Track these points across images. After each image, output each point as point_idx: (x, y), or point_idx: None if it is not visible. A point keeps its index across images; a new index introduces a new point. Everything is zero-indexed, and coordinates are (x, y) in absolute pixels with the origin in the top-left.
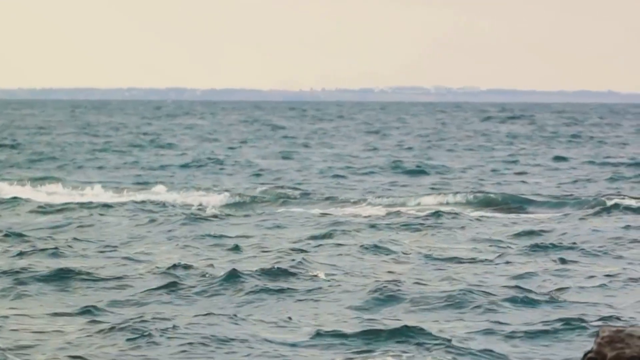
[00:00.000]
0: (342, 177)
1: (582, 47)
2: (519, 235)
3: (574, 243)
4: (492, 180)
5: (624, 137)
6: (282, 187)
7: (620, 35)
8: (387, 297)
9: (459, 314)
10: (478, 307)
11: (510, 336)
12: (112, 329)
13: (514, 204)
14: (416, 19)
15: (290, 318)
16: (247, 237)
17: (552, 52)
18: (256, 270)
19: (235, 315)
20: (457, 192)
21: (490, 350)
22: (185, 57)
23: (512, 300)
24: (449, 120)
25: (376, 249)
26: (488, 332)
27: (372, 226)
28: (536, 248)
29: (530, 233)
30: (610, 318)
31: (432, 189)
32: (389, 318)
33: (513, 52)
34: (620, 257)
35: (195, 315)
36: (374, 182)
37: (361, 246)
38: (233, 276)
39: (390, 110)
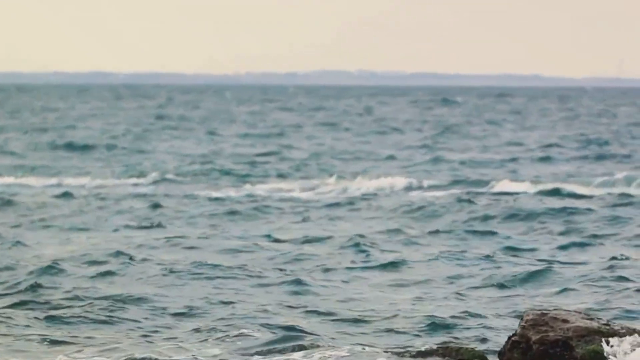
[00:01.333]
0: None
1: (506, 30)
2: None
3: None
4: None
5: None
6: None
7: (547, 19)
8: None
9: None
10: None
11: (442, 320)
12: None
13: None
14: (339, 0)
15: None
16: None
17: (476, 36)
18: None
19: None
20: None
21: (417, 336)
22: (108, 40)
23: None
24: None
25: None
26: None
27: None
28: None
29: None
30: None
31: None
32: None
33: (438, 35)
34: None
35: None
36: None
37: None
38: None
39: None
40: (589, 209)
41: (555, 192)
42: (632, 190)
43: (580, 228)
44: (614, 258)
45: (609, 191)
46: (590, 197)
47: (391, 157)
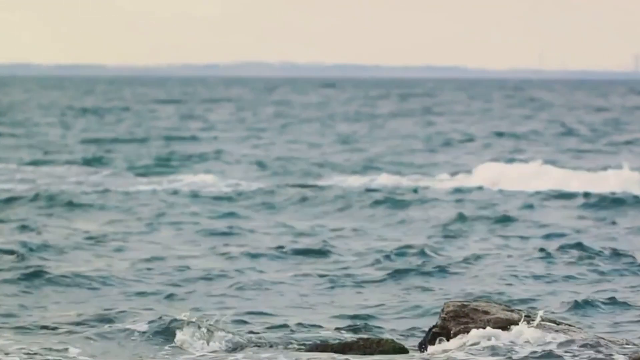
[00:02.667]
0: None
1: (431, 22)
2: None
3: None
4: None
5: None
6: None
7: (468, 11)
8: None
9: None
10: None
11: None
12: None
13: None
14: None
15: None
16: None
17: (399, 27)
18: None
19: None
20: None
21: (339, 328)
22: (30, 29)
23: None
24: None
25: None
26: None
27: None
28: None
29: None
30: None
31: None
32: None
33: (360, 26)
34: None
35: None
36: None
37: None
38: None
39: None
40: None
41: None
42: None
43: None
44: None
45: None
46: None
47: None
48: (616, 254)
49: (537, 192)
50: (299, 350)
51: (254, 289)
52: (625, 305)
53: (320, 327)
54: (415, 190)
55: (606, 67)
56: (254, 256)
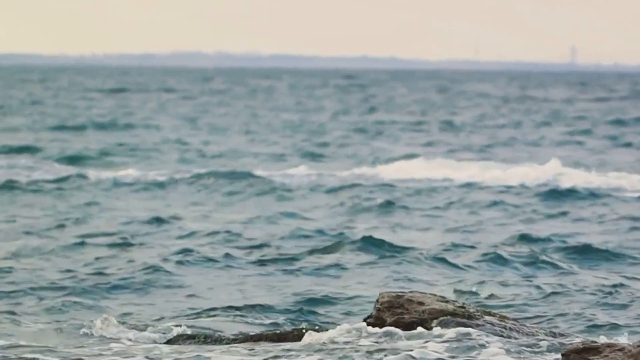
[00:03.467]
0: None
1: (363, 12)
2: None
3: None
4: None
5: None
6: None
7: (402, 2)
8: None
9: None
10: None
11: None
12: None
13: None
14: None
15: None
16: None
17: (322, 17)
18: None
19: None
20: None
21: (267, 316)
22: None
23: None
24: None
25: None
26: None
27: None
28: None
29: None
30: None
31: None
32: None
33: (293, 16)
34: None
35: None
36: None
37: None
38: None
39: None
40: None
41: None
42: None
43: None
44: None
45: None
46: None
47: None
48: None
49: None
50: (233, 341)
51: (182, 279)
52: (562, 296)
53: (254, 317)
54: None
55: (543, 58)
56: (183, 246)
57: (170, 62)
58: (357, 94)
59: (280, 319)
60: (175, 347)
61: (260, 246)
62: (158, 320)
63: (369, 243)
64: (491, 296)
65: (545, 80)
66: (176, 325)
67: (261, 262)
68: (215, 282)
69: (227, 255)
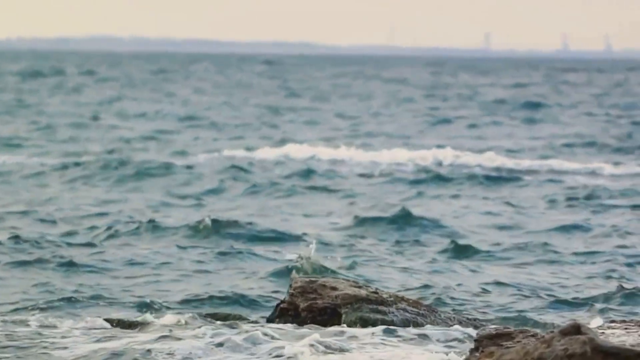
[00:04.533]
0: None
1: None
2: None
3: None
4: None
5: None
6: None
7: None
8: None
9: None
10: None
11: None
12: None
13: None
14: None
15: None
16: None
17: (244, 2)
18: None
19: None
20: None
21: (187, 305)
22: None
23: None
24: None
25: None
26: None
27: None
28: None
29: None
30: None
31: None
32: None
33: (207, 1)
34: None
35: None
36: None
37: None
38: None
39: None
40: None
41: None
42: None
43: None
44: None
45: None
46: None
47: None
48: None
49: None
50: (145, 328)
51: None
52: (478, 285)
53: (169, 303)
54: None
55: (457, 44)
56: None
57: (85, 46)
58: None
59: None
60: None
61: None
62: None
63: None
64: (405, 284)
65: (460, 65)
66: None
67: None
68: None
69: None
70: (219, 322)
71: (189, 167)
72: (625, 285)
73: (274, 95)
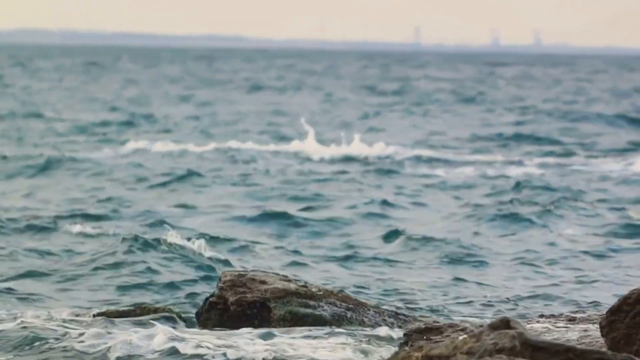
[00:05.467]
0: None
1: None
2: None
3: None
4: None
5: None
6: None
7: None
8: None
9: None
10: None
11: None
12: None
13: None
14: None
15: None
16: None
17: None
18: None
19: None
20: None
21: (114, 297)
22: None
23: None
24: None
25: None
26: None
27: None
28: None
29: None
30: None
31: None
32: None
33: None
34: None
35: None
36: None
37: None
38: None
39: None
40: None
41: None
42: None
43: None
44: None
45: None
46: None
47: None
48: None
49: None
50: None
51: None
52: (411, 279)
53: (98, 296)
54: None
55: (388, 38)
56: None
57: (14, 39)
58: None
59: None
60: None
61: None
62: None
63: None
64: (337, 279)
65: (390, 60)
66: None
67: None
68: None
69: None
70: (144, 317)
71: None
72: (553, 281)
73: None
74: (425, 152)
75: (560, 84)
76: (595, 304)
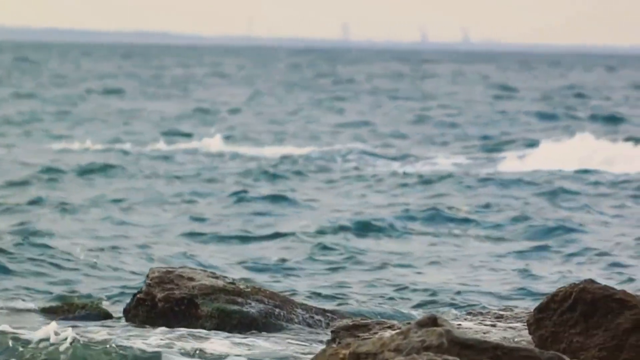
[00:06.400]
0: None
1: None
2: None
3: None
4: None
5: None
6: None
7: None
8: None
9: None
10: None
11: None
12: None
13: None
14: None
15: None
16: None
17: None
18: None
19: None
20: None
21: (42, 293)
22: None
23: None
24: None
25: None
26: None
27: None
28: None
29: None
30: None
31: None
32: None
33: None
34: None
35: None
36: None
37: None
38: None
39: None
40: None
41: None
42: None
43: None
44: None
45: None
46: None
47: None
48: None
49: None
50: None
51: None
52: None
53: (24, 291)
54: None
55: (316, 34)
56: None
57: None
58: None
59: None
60: None
61: None
62: None
63: None
64: (272, 276)
65: (318, 56)
66: None
67: None
68: None
69: None
70: (72, 314)
71: None
72: (480, 279)
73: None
74: (349, 147)
75: (487, 79)
76: (523, 302)
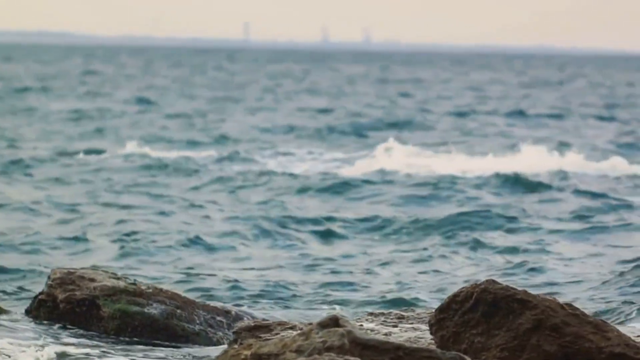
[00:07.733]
0: None
1: None
2: None
3: None
4: None
5: None
6: None
7: None
8: None
9: None
10: None
11: None
12: None
13: None
14: None
15: None
16: None
17: None
18: None
19: None
20: None
21: None
22: None
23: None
24: None
25: None
26: None
27: None
28: None
29: None
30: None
31: None
32: None
33: None
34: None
35: None
36: None
37: None
38: None
39: None
40: None
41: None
42: None
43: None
44: None
45: None
46: None
47: None
48: None
49: None
50: None
51: None
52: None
53: None
54: None
55: (218, 35)
56: None
57: None
58: None
59: None
60: None
61: None
62: None
63: None
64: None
65: (221, 57)
66: None
67: None
68: None
69: None
70: None
71: None
72: (381, 280)
73: None
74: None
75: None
76: (424, 302)
